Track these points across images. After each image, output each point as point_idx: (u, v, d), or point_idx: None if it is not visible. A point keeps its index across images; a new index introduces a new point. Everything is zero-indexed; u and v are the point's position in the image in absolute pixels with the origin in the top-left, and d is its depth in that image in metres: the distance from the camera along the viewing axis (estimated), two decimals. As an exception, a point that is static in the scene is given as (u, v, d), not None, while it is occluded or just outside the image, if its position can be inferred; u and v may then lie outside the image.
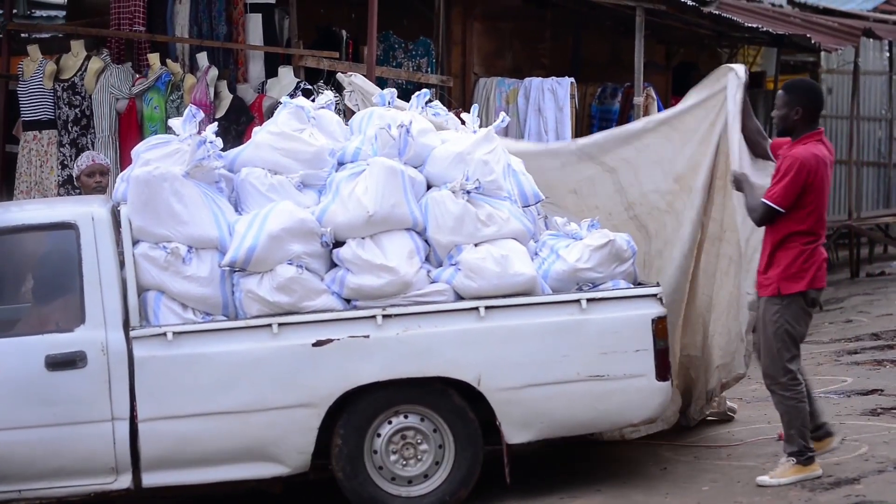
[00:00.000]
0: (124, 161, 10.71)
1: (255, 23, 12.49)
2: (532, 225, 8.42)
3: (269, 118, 9.08)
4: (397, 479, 7.96)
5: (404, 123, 8.24)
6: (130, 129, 11.63)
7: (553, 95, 13.90)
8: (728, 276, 8.81)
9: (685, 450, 8.86)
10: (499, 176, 8.28)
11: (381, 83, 11.77)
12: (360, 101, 9.36)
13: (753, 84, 20.80)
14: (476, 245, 8.08)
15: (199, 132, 8.12)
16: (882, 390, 10.36)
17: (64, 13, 16.35)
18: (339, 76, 9.64)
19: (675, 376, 8.78)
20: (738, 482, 8.04)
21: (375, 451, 7.93)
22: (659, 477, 8.30)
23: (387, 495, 7.93)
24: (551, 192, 8.79)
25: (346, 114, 8.95)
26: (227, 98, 11.80)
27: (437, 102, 9.04)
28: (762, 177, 8.17)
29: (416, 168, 8.28)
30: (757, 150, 8.45)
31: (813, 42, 17.84)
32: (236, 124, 11.61)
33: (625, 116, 14.70)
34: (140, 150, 8.24)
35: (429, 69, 13.97)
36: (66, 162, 11.64)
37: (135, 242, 7.93)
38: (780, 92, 8.08)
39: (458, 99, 14.14)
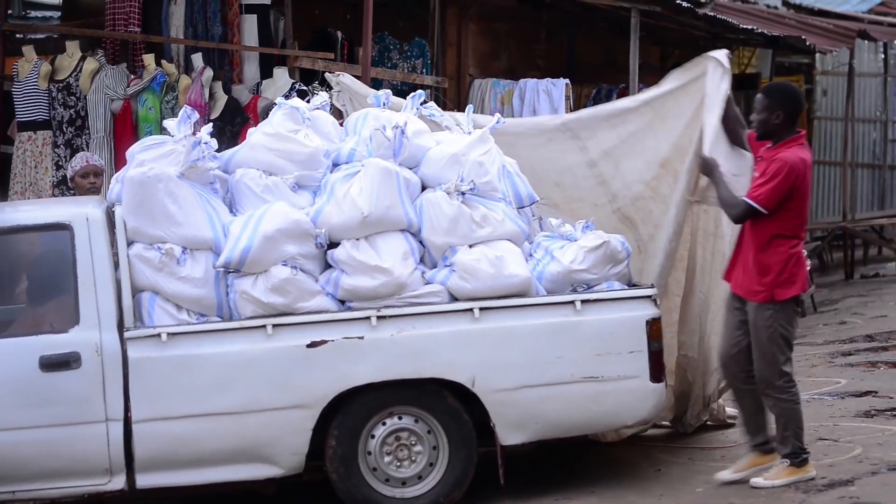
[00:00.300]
0: (119, 162, 10.71)
1: (250, 24, 12.49)
2: (527, 226, 8.42)
3: (264, 119, 9.09)
4: (391, 481, 7.96)
5: (399, 125, 8.25)
6: (125, 129, 11.62)
7: (548, 97, 13.92)
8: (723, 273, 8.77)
9: (680, 451, 8.87)
10: (493, 177, 8.29)
11: (377, 84, 11.77)
12: (348, 100, 9.33)
13: (748, 86, 20.84)
14: (471, 246, 8.08)
15: (193, 133, 8.11)
16: (876, 392, 10.37)
17: (59, 14, 16.32)
18: (328, 75, 9.62)
19: (672, 376, 8.77)
20: (732, 483, 8.04)
21: (369, 453, 7.93)
22: (653, 478, 8.31)
23: (381, 497, 7.92)
24: (535, 183, 8.69)
25: (334, 113, 8.93)
26: (222, 99, 11.80)
27: (432, 104, 9.03)
28: (738, 167, 8.09)
29: (410, 169, 8.28)
30: (734, 139, 8.32)
31: (808, 44, 17.86)
32: (231, 125, 11.61)
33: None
34: (135, 151, 8.23)
35: (424, 70, 13.98)
36: (60, 163, 11.63)
37: (129, 243, 7.92)
38: (759, 96, 8.01)
39: (453, 100, 14.15)
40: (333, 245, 8.04)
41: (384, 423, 7.94)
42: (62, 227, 7.90)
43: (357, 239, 8.00)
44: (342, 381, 7.81)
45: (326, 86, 11.55)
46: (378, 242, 8.01)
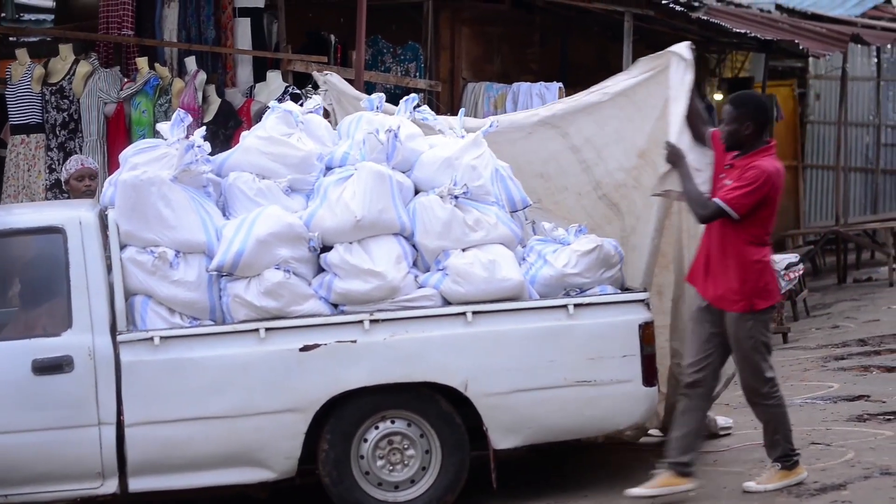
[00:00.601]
0: (112, 165, 10.71)
1: (243, 27, 12.50)
2: (520, 230, 8.42)
3: (257, 122, 9.08)
4: (384, 485, 7.96)
5: (392, 128, 8.25)
6: (118, 133, 11.63)
7: (541, 100, 13.91)
8: None
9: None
10: (486, 181, 8.29)
11: (370, 88, 11.79)
12: (335, 100, 9.31)
13: (741, 89, 20.83)
14: (464, 250, 8.08)
15: (187, 136, 8.11)
16: (869, 396, 10.37)
17: (52, 17, 16.30)
18: (315, 74, 9.59)
19: (665, 384, 8.72)
20: (724, 488, 8.05)
21: (362, 457, 7.93)
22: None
23: (373, 500, 7.92)
24: (518, 176, 8.65)
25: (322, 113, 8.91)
26: (215, 102, 11.81)
27: (425, 107, 9.04)
28: (700, 161, 7.94)
29: (403, 173, 8.28)
30: (696, 135, 8.13)
31: (801, 48, 17.88)
32: (224, 128, 11.61)
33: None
34: (128, 155, 8.23)
35: (417, 74, 13.99)
36: (53, 166, 11.63)
37: (122, 247, 7.92)
38: (727, 107, 7.87)
39: (446, 104, 14.16)
40: (326, 249, 8.04)
41: (377, 427, 7.94)
42: (55, 231, 7.90)
43: (350, 242, 7.99)
44: (335, 385, 7.81)
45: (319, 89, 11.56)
46: (371, 246, 8.01)
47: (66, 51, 11.97)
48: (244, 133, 8.66)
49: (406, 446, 7.96)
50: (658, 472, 7.83)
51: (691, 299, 8.15)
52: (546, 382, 7.92)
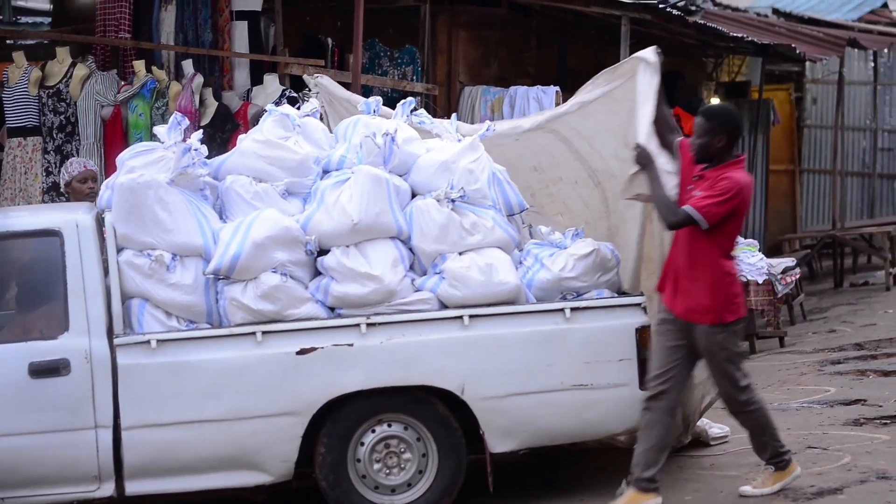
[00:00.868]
0: (109, 168, 10.70)
1: (240, 30, 12.49)
2: (516, 234, 8.42)
3: (254, 126, 9.08)
4: (380, 488, 7.96)
5: (389, 132, 8.25)
6: (115, 136, 11.62)
7: (539, 104, 13.91)
8: None
9: (668, 459, 8.83)
10: (483, 185, 8.29)
11: (367, 91, 11.78)
12: (327, 102, 9.31)
13: (738, 94, 20.91)
14: (460, 254, 8.09)
15: (184, 140, 8.11)
16: (865, 400, 10.37)
17: (49, 20, 16.32)
18: (306, 77, 9.59)
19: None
20: (721, 492, 8.06)
21: (359, 460, 7.93)
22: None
23: (370, 504, 7.94)
24: (512, 171, 8.62)
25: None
26: (212, 105, 11.80)
27: (422, 111, 9.04)
28: (669, 165, 7.87)
29: (400, 176, 8.29)
30: (662, 142, 8.06)
31: (798, 52, 17.89)
32: (221, 132, 11.61)
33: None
34: (125, 158, 8.23)
35: (414, 77, 13.99)
36: (50, 169, 11.63)
37: (119, 250, 7.92)
38: (699, 119, 7.79)
39: (443, 107, 14.16)
40: (323, 252, 8.04)
41: (374, 431, 7.94)
42: (52, 234, 7.90)
43: (347, 246, 8.00)
44: (332, 389, 7.81)
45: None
46: (368, 250, 8.01)
47: (62, 54, 11.96)
48: (241, 136, 8.68)
49: (403, 450, 7.96)
50: (623, 490, 7.78)
51: (656, 311, 8.08)
52: (543, 386, 7.93)
